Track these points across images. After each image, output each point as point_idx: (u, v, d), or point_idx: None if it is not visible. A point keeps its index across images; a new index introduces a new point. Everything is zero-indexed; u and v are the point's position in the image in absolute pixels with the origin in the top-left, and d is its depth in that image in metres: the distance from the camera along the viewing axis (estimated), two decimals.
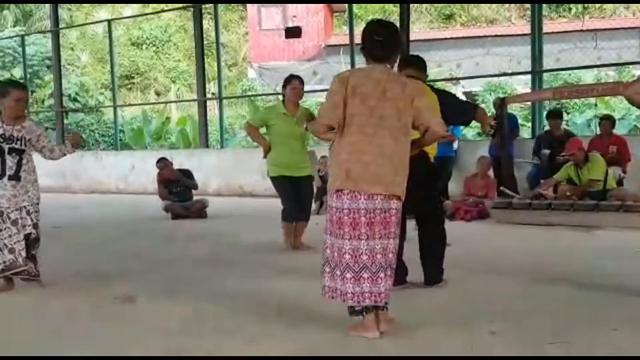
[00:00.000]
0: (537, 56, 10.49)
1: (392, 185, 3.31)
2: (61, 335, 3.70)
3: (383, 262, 3.30)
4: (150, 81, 28.32)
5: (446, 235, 4.52)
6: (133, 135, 19.70)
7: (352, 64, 12.81)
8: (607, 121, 9.15)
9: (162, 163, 9.36)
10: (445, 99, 4.28)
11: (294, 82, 6.10)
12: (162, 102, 21.98)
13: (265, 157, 6.13)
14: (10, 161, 4.58)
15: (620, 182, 8.49)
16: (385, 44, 3.37)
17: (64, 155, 4.94)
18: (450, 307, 3.93)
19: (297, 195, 6.10)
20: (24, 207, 4.62)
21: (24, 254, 4.57)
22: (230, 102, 23.80)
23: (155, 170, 9.50)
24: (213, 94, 18.81)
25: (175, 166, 12.35)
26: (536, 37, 10.56)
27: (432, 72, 21.81)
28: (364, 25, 3.48)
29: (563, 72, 18.35)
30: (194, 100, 15.66)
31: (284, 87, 6.20)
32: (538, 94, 9.90)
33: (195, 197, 9.51)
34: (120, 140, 18.82)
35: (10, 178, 4.58)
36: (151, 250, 6.62)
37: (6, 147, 4.57)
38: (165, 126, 20.19)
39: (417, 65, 4.51)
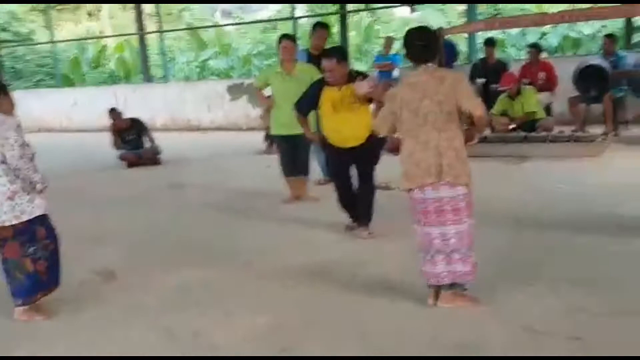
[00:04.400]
0: None
1: (441, 174, 3.61)
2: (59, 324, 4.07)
3: (440, 246, 3.69)
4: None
5: (374, 191, 5.39)
6: (70, 65, 19.37)
7: None
8: (534, 49, 9.72)
9: (114, 114, 9.60)
10: None
11: (284, 42, 6.41)
12: (99, 37, 21.39)
13: (262, 115, 6.40)
14: None
15: (548, 108, 9.15)
16: (426, 47, 3.74)
17: None
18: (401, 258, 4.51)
19: (296, 152, 6.47)
20: None
21: None
22: (169, 21, 23.31)
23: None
24: (149, 14, 18.39)
25: (120, 102, 12.59)
26: None
27: None
28: (406, 33, 3.84)
29: None
30: (133, 34, 15.47)
31: (278, 48, 6.51)
32: (471, 25, 10.34)
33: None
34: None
35: None
36: (118, 210, 6.97)
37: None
38: (102, 54, 19.87)
39: (338, 55, 5.06)
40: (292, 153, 6.47)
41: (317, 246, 5.22)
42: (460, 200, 3.65)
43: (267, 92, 6.56)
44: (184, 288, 4.50)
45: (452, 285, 3.76)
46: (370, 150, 5.19)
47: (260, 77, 6.65)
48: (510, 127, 8.36)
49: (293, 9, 13.17)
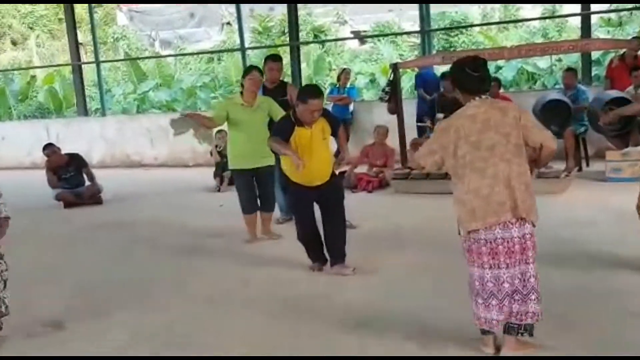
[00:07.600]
0: (424, 16, 11.34)
1: (516, 209, 3.51)
2: None
3: (509, 290, 3.58)
4: (4, 29, 27.02)
5: (346, 227, 5.54)
6: None
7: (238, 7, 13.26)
8: (494, 83, 10.05)
9: (50, 149, 9.41)
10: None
11: (253, 73, 6.41)
12: (31, 68, 21.07)
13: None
14: None
15: None
16: (482, 78, 3.70)
17: None
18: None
19: (260, 187, 6.50)
20: None
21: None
22: (106, 50, 23.18)
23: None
24: (81, 44, 18.18)
25: (52, 137, 12.41)
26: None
27: (318, 11, 22.49)
28: (456, 63, 3.80)
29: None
30: (68, 64, 15.36)
31: (243, 77, 6.52)
32: (428, 59, 10.67)
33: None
34: None
35: None
36: (61, 252, 6.91)
37: None
38: (31, 86, 19.57)
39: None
40: (254, 188, 6.51)
41: (286, 283, 5.31)
42: (529, 239, 3.59)
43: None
44: (146, 330, 4.49)
45: (512, 329, 3.67)
46: (336, 186, 5.41)
47: (219, 109, 6.51)
48: None
49: (242, 40, 13.30)
